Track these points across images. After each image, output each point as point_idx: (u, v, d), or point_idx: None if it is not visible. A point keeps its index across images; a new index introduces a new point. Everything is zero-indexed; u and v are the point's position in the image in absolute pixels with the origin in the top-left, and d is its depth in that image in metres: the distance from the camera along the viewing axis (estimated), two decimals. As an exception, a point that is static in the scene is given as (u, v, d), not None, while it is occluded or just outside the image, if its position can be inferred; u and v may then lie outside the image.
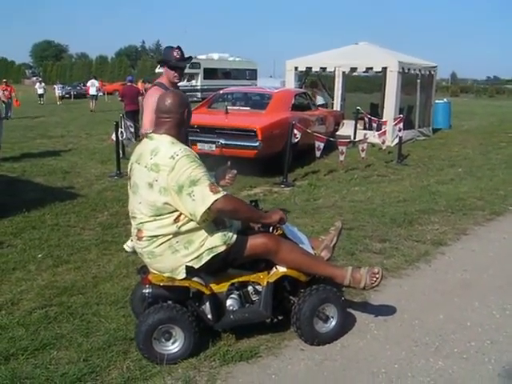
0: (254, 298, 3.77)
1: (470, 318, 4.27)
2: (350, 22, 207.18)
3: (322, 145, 10.07)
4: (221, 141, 9.68)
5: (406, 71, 15.75)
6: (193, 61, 40.63)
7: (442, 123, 19.86)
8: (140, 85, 21.34)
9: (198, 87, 39.94)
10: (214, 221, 3.52)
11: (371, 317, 4.22)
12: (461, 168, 11.39)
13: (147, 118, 5.02)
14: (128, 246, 5.55)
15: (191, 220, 3.43)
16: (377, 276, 3.87)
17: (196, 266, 3.52)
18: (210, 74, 41.10)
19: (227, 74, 42.97)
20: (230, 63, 44.91)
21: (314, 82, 18.08)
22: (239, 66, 45.17)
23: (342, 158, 10.33)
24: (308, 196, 8.53)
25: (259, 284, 3.75)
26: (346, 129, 14.46)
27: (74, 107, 32.37)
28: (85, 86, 51.72)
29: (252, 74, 45.53)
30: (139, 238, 3.56)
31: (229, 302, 3.70)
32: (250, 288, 3.77)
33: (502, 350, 3.77)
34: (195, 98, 36.52)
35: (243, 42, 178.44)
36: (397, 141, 12.60)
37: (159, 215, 3.43)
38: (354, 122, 14.60)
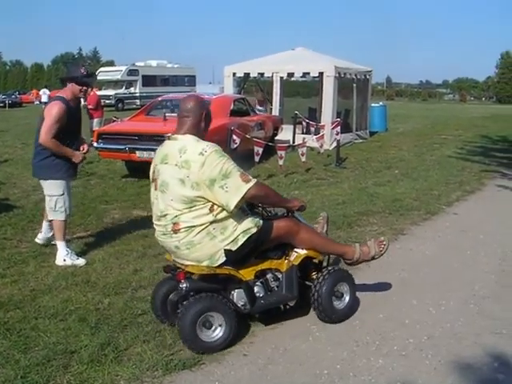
0: (273, 284, 4.11)
1: (408, 315, 4.38)
2: (286, 27, 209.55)
3: (260, 150, 10.13)
4: (160, 148, 9.58)
5: (343, 76, 16.03)
6: (131, 68, 40.34)
7: (378, 126, 20.30)
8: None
9: (137, 94, 39.53)
10: (241, 208, 3.79)
11: (313, 319, 4.26)
12: (397, 170, 11.67)
13: (45, 128, 5.30)
14: (39, 238, 6.05)
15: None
16: (384, 243, 4.43)
17: (233, 249, 3.76)
18: (149, 81, 40.74)
19: (166, 80, 42.67)
20: (169, 70, 44.63)
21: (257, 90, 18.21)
22: (178, 72, 44.93)
23: (281, 162, 10.41)
24: (248, 201, 8.54)
25: (278, 271, 4.09)
26: (285, 133, 14.58)
27: (9, 116, 31.45)
28: (20, 94, 50.44)
29: (191, 81, 45.37)
30: (175, 231, 3.74)
31: (256, 289, 4.01)
32: (269, 275, 4.10)
33: (438, 345, 3.88)
34: (134, 106, 36.13)
35: (182, 48, 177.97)
36: (335, 144, 12.80)
37: (193, 206, 3.67)
38: (292, 126, 14.74)
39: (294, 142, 13.65)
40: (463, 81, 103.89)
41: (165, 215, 3.77)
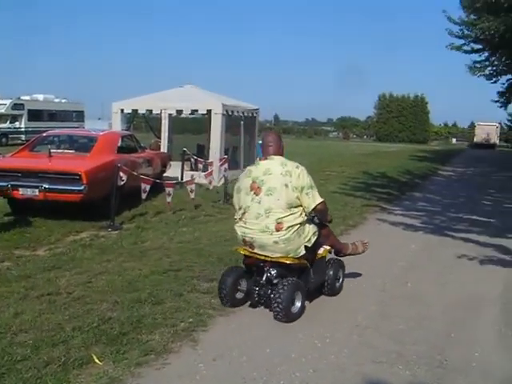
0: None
1: (294, 349, 4.44)
2: (175, 64, 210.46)
3: (148, 187, 10.03)
4: (44, 185, 9.25)
5: (230, 113, 16.29)
6: (16, 102, 38.75)
7: (265, 163, 20.66)
8: None
9: (22, 129, 37.92)
10: (309, 218, 5.36)
11: (200, 357, 4.23)
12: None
13: None
14: None
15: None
16: (367, 244, 6.34)
17: (309, 245, 5.29)
18: (35, 115, 39.27)
19: (53, 115, 41.34)
20: (56, 105, 43.30)
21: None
22: (66, 107, 43.69)
23: (169, 199, 10.36)
24: (135, 239, 8.39)
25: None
26: (174, 170, 14.54)
27: None
28: None
29: (79, 116, 44.26)
30: (278, 230, 5.04)
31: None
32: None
33: (323, 377, 3.97)
34: (19, 141, 34.60)
35: (70, 83, 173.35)
36: (223, 181, 12.92)
37: (292, 208, 5.07)
38: (181, 163, 14.72)
39: (182, 179, 13.64)
40: (346, 119, 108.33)
41: (269, 213, 5.05)
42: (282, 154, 5.37)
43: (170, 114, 16.20)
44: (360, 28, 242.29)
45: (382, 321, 5.22)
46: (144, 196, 10.13)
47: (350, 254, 6.17)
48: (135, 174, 10.32)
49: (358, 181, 17.34)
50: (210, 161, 14.37)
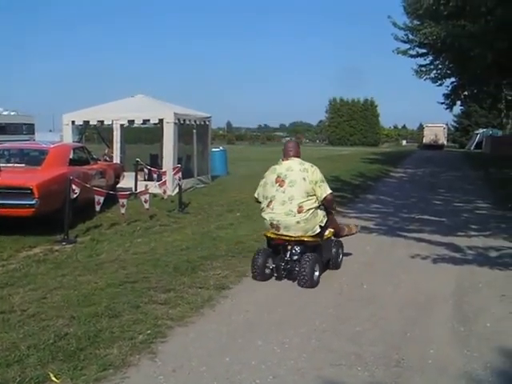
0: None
1: (254, 356, 4.44)
2: (125, 74, 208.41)
3: (101, 199, 9.90)
4: (-5, 201, 9.03)
5: (182, 122, 16.22)
6: (-38, 115, 37.67)
7: (219, 170, 20.74)
8: None
9: (-31, 143, 36.88)
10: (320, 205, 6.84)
11: (160, 369, 4.19)
12: (239, 212, 11.96)
13: None
14: None
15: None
16: (358, 226, 8.35)
17: (322, 225, 6.82)
18: (-16, 129, 38.30)
19: (2, 128, 40.27)
20: (5, 118, 42.27)
21: None
22: (15, 120, 42.64)
23: (123, 210, 10.24)
24: (91, 252, 8.25)
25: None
26: (127, 181, 14.40)
27: None
28: None
29: (29, 129, 43.26)
30: (299, 212, 6.53)
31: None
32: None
33: (283, 383, 3.98)
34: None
35: (20, 96, 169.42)
36: (177, 190, 12.85)
37: (309, 196, 6.60)
38: (134, 173, 14.59)
39: (136, 190, 13.52)
40: (298, 124, 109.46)
41: (291, 200, 6.55)
42: (299, 157, 6.96)
43: (121, 125, 16.05)
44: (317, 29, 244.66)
45: (339, 324, 5.27)
46: (98, 208, 9.99)
47: (346, 235, 7.69)
48: (88, 186, 10.18)
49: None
50: (163, 170, 14.27)
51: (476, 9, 19.62)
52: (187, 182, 15.41)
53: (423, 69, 28.53)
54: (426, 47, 26.70)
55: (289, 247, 6.74)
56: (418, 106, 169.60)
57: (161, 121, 15.81)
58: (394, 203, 14.25)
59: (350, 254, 7.97)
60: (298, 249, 6.70)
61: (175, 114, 15.74)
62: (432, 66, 28.51)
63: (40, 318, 5.22)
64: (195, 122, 17.20)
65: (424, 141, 64.61)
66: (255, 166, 26.21)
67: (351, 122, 72.97)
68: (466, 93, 33.21)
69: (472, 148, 59.55)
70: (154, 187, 12.42)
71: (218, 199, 14.22)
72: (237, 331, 5.02)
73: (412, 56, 27.73)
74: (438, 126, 64.20)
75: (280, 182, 6.71)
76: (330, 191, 6.77)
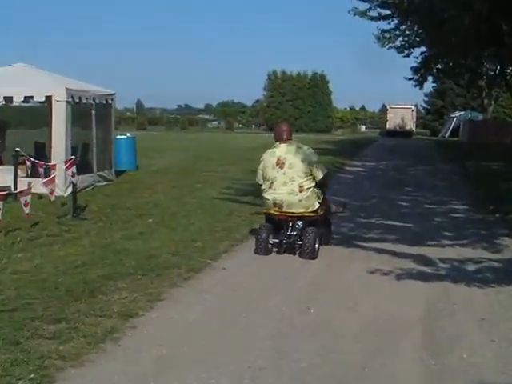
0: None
1: (169, 403, 4.44)
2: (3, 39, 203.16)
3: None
4: None
5: (78, 101, 15.92)
6: None
7: (126, 164, 20.56)
8: None
9: None
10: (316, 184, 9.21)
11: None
12: (151, 218, 11.90)
13: None
14: None
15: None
16: (346, 205, 11.13)
17: (319, 201, 9.11)
18: None
19: None
20: None
21: None
22: None
23: (-3, 216, 9.99)
24: (-47, 270, 8.05)
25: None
26: (4, 177, 14.08)
27: None
28: None
29: None
30: (301, 191, 8.87)
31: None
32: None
33: None
34: None
35: None
36: (71, 189, 12.65)
37: (307, 175, 8.95)
38: (13, 167, 14.25)
39: (16, 189, 13.22)
40: (229, 105, 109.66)
41: (292, 181, 8.89)
42: (291, 138, 9.44)
43: (-5, 103, 15.66)
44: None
45: (280, 358, 5.32)
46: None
47: (335, 213, 10.11)
48: None
49: (245, 182, 17.50)
50: (52, 163, 14.00)
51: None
52: (84, 179, 15.20)
53: (386, 35, 29.08)
54: (389, 7, 27.15)
55: (290, 223, 9.03)
56: (381, 82, 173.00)
57: (49, 98, 15.49)
58: (350, 205, 14.41)
59: (292, 269, 8.08)
60: (300, 223, 8.98)
61: (68, 89, 15.44)
62: (397, 32, 29.06)
63: None
64: (94, 100, 16.94)
65: (387, 126, 66.04)
66: (173, 157, 26.23)
67: (296, 101, 73.82)
68: (438, 66, 34.07)
69: (447, 135, 61.39)
70: (39, 185, 12.18)
71: (125, 201, 14.11)
72: (148, 372, 4.99)
73: (372, 18, 28.20)
74: (404, 108, 65.66)
75: (280, 164, 9.04)
76: (326, 171, 9.40)
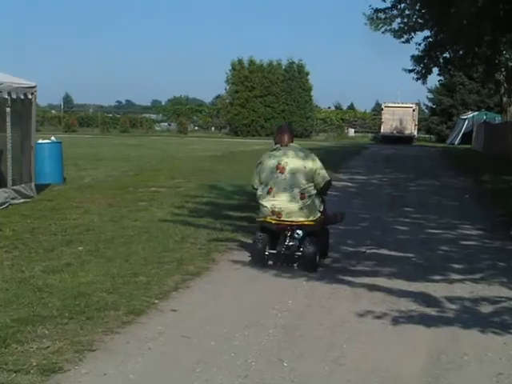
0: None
1: None
2: None
3: None
4: None
5: (-12, 94, 15.86)
6: None
7: (50, 176, 20.46)
8: None
9: None
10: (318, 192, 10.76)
11: None
12: (82, 245, 11.80)
13: None
14: None
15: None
16: (344, 215, 11.94)
17: (320, 210, 10.61)
18: None
19: None
20: None
21: None
22: None
23: None
24: None
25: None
26: None
27: None
28: None
29: None
30: (302, 198, 10.18)
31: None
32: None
33: None
34: None
35: None
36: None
37: (309, 182, 10.34)
38: None
39: None
40: (182, 102, 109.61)
41: (293, 188, 10.13)
42: (293, 141, 10.71)
43: None
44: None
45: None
46: None
47: (332, 223, 11.47)
48: None
49: (201, 200, 17.55)
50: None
51: None
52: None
53: (381, 15, 29.07)
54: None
55: (289, 233, 10.22)
56: (374, 75, 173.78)
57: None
58: (334, 229, 14.52)
59: (262, 311, 8.08)
60: (300, 232, 10.19)
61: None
62: (395, 12, 29.06)
63: None
64: (10, 94, 16.85)
65: (382, 130, 66.49)
66: (110, 168, 26.11)
67: (267, 98, 73.84)
68: (446, 55, 34.15)
69: (456, 142, 61.83)
70: None
71: (48, 223, 13.99)
72: None
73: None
74: (403, 107, 66.12)
75: (281, 168, 10.26)
76: (328, 178, 10.72)
